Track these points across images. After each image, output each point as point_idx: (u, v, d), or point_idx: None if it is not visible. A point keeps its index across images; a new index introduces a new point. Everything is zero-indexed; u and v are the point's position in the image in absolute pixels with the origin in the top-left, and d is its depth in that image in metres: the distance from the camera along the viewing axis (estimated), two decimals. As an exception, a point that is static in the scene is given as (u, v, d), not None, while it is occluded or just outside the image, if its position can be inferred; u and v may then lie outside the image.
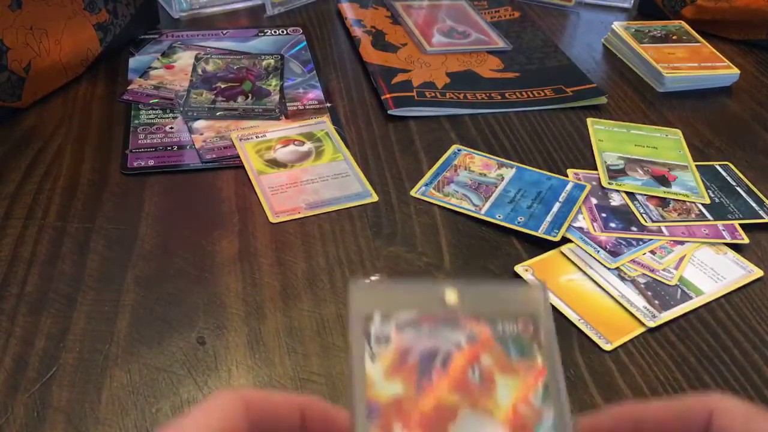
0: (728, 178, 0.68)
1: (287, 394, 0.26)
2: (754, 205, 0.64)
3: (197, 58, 0.81)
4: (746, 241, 0.60)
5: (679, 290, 0.55)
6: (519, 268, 0.56)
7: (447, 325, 0.27)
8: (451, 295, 0.28)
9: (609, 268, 0.56)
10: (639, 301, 0.53)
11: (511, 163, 0.68)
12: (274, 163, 0.65)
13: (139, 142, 0.67)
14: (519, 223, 0.60)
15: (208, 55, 0.82)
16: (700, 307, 0.54)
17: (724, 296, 0.55)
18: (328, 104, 0.75)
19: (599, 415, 0.27)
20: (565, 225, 0.59)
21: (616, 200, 0.64)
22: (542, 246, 0.58)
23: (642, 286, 0.55)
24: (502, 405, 0.26)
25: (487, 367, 0.27)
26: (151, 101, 0.73)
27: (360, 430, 0.25)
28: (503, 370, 0.27)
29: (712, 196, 0.65)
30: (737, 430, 0.24)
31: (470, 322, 0.27)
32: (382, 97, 0.75)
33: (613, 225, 0.60)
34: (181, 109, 0.72)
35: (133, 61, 0.80)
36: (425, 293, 0.28)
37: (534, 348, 0.27)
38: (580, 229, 0.60)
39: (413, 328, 0.27)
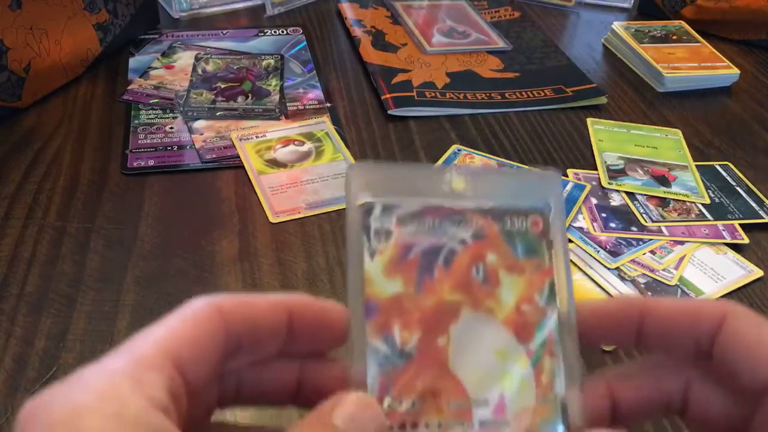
0: (728, 178, 0.68)
1: (271, 296, 0.24)
2: (754, 205, 0.64)
3: (197, 58, 0.81)
4: (746, 241, 0.60)
5: (679, 290, 0.55)
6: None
7: (452, 220, 0.25)
8: (458, 182, 0.26)
9: (609, 268, 0.56)
10: (639, 301, 0.53)
11: (512, 163, 0.68)
12: (274, 163, 0.65)
13: (139, 142, 0.67)
14: (519, 223, 0.60)
15: (208, 55, 0.82)
16: (700, 307, 0.54)
17: (724, 296, 0.55)
18: (328, 104, 0.75)
19: (604, 303, 0.26)
20: (565, 225, 0.59)
21: (616, 200, 0.64)
22: (542, 246, 0.58)
23: (642, 286, 0.55)
24: (505, 305, 0.25)
25: (491, 265, 0.25)
26: (151, 101, 0.73)
27: (356, 329, 0.24)
28: (509, 269, 0.25)
29: (712, 196, 0.65)
30: (751, 334, 0.23)
31: (477, 218, 0.26)
32: (382, 97, 0.75)
33: (613, 225, 0.60)
34: (181, 109, 0.72)
35: (133, 61, 0.80)
36: (431, 179, 0.26)
37: (542, 246, 0.26)
38: (580, 229, 0.60)
39: (416, 222, 0.25)
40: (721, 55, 0.86)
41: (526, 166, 0.67)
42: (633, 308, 0.25)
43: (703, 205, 0.63)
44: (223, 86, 0.76)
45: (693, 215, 0.62)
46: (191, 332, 0.21)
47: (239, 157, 0.66)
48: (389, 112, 0.73)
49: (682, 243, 0.59)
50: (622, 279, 0.55)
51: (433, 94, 0.77)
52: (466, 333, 0.25)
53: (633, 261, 0.57)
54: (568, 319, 0.25)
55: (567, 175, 0.67)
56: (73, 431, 0.17)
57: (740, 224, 0.61)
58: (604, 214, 0.62)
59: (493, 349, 0.25)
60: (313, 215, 0.60)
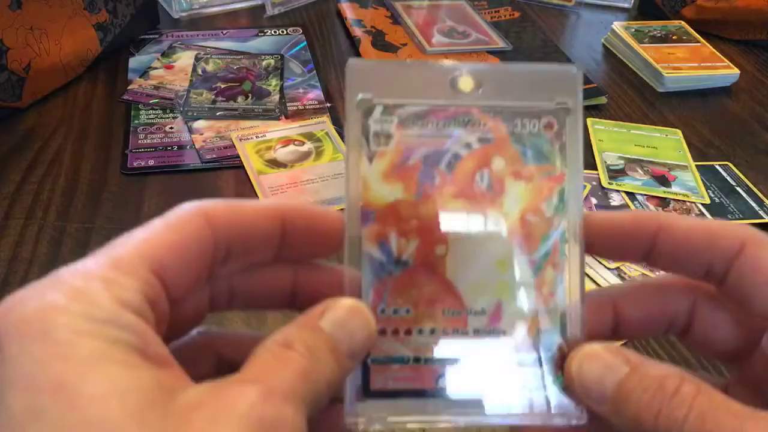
0: (728, 178, 0.68)
1: (263, 203, 0.23)
2: (754, 205, 0.64)
3: (197, 58, 0.81)
4: (746, 241, 0.59)
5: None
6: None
7: (458, 122, 0.24)
8: (466, 81, 0.24)
9: (609, 268, 0.56)
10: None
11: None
12: (274, 163, 0.65)
13: (139, 142, 0.67)
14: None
15: (208, 55, 0.82)
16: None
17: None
18: (328, 104, 0.75)
19: (617, 216, 0.25)
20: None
21: (616, 200, 0.64)
22: (542, 246, 0.58)
23: (642, 286, 0.55)
24: (509, 214, 0.24)
25: (498, 171, 0.24)
26: (151, 101, 0.73)
27: (352, 237, 0.23)
28: (516, 175, 0.24)
29: (712, 196, 0.65)
30: None
31: (485, 119, 0.24)
32: (382, 97, 0.75)
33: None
34: (181, 109, 0.72)
35: (133, 61, 0.80)
36: (437, 78, 0.24)
37: (555, 150, 0.24)
38: (580, 229, 0.60)
39: (418, 125, 0.24)
40: (721, 55, 0.86)
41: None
42: (648, 224, 0.24)
43: (703, 205, 0.63)
44: (223, 86, 0.76)
45: (693, 215, 0.62)
46: (173, 237, 0.21)
47: (239, 157, 0.66)
48: (389, 112, 0.73)
49: (682, 243, 0.59)
50: (622, 279, 0.55)
51: (433, 94, 0.77)
52: (465, 242, 0.24)
53: (633, 261, 0.57)
54: (576, 230, 0.24)
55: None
56: (44, 328, 0.18)
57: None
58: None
59: (493, 259, 0.24)
60: (313, 215, 0.60)
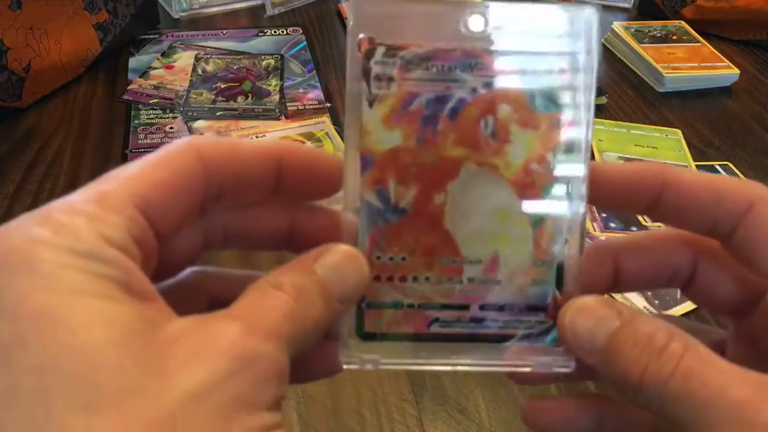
0: (728, 178, 0.68)
1: (260, 142, 0.23)
2: (754, 205, 0.64)
3: (197, 58, 0.81)
4: (746, 241, 0.59)
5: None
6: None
7: (464, 66, 0.23)
8: (476, 21, 0.22)
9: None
10: (639, 302, 0.53)
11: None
12: (274, 163, 0.65)
13: (139, 142, 0.67)
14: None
15: (208, 55, 0.82)
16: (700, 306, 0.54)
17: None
18: (328, 104, 0.75)
19: (622, 167, 0.24)
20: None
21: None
22: (542, 246, 0.58)
23: (642, 286, 0.55)
24: (513, 163, 0.23)
25: (503, 119, 0.23)
26: (151, 101, 0.73)
27: (350, 182, 0.23)
28: (522, 123, 0.23)
29: (712, 196, 0.65)
30: None
31: (493, 63, 0.23)
32: (382, 97, 0.75)
33: (613, 225, 0.60)
34: (181, 109, 0.72)
35: (133, 61, 0.80)
36: (444, 18, 0.23)
37: (566, 98, 0.23)
38: (580, 229, 0.60)
39: (422, 68, 0.23)
40: (721, 55, 0.86)
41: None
42: (654, 176, 0.24)
43: (703, 205, 0.63)
44: (223, 86, 0.76)
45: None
46: (162, 175, 0.21)
47: (239, 157, 0.66)
48: (389, 112, 0.73)
49: (682, 243, 0.59)
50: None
51: (433, 94, 0.76)
52: (465, 191, 0.23)
53: (633, 261, 0.57)
54: (581, 181, 0.23)
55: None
56: (28, 261, 0.18)
57: (740, 224, 0.61)
58: (604, 214, 0.61)
59: (493, 209, 0.23)
60: (313, 215, 0.60)
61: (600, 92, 0.79)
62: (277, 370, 0.19)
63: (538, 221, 0.24)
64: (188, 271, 0.24)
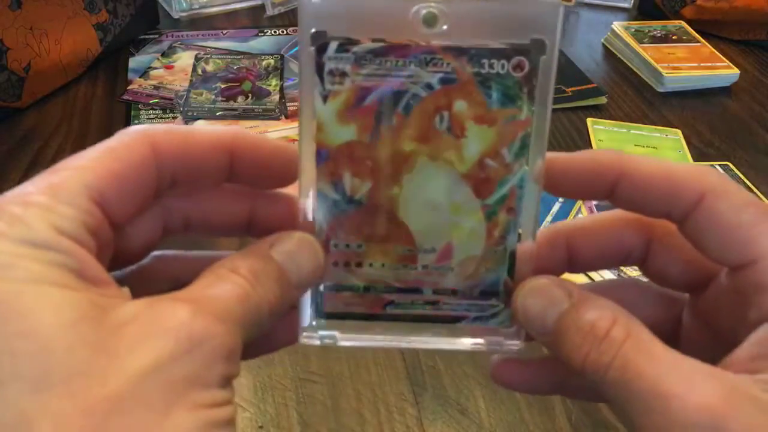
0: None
1: (213, 131, 0.23)
2: (754, 205, 0.64)
3: (197, 58, 0.81)
4: (746, 241, 0.59)
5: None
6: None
7: (419, 61, 0.22)
8: (431, 15, 0.22)
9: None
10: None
11: (511, 163, 0.68)
12: (274, 163, 0.65)
13: (139, 142, 0.67)
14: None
15: (208, 55, 0.82)
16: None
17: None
18: (328, 104, 0.75)
19: (578, 157, 0.25)
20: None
21: (616, 200, 0.64)
22: (542, 246, 0.58)
23: (642, 286, 0.55)
24: (467, 158, 0.23)
25: (458, 114, 0.23)
26: (151, 101, 0.73)
27: (306, 174, 0.23)
28: (478, 119, 0.23)
29: (712, 196, 0.65)
30: (729, 217, 0.23)
31: (449, 58, 0.22)
32: (382, 97, 0.75)
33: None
34: (181, 109, 0.72)
35: (133, 61, 0.80)
36: (399, 12, 0.22)
37: (524, 93, 0.23)
38: (580, 229, 0.60)
39: (376, 63, 0.22)
40: (721, 55, 0.86)
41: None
42: (609, 166, 0.24)
43: (703, 205, 0.63)
44: (223, 86, 0.76)
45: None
46: (116, 166, 0.21)
47: (239, 157, 0.66)
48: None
49: (682, 243, 0.59)
50: (622, 278, 0.55)
51: (433, 94, 0.76)
52: (420, 184, 0.24)
53: (633, 261, 0.57)
54: (536, 173, 0.24)
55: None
56: None
57: (740, 224, 0.61)
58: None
59: (446, 202, 0.24)
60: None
61: (600, 92, 0.79)
62: (227, 350, 0.19)
63: (491, 214, 0.24)
64: (150, 255, 0.25)
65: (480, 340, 0.26)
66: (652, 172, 0.24)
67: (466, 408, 0.45)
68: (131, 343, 0.18)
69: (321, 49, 0.22)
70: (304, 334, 0.25)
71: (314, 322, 0.25)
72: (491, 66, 0.22)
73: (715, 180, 0.23)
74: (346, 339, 0.25)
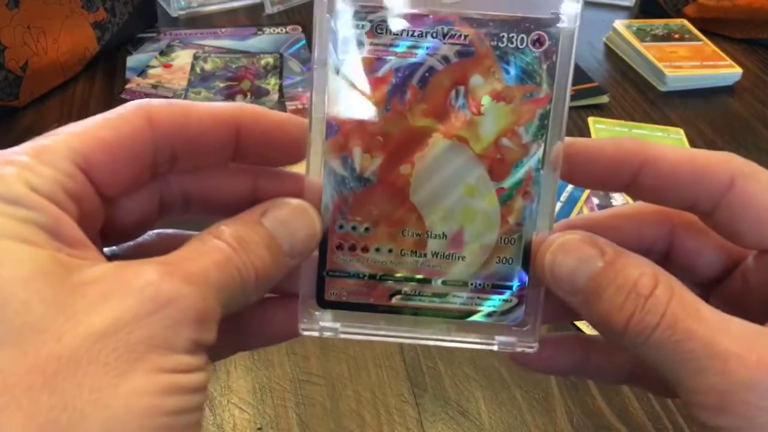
0: (731, 177, 0.67)
1: (217, 106, 0.23)
2: (757, 204, 0.64)
3: (196, 57, 0.80)
4: (750, 241, 0.59)
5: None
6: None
7: (436, 32, 0.22)
8: None
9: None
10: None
11: (512, 162, 0.67)
12: (273, 163, 0.65)
13: (137, 141, 0.67)
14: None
15: (207, 54, 0.81)
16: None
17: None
18: (328, 103, 0.75)
19: (600, 144, 0.24)
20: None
21: (617, 200, 0.63)
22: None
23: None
24: (484, 136, 0.23)
25: (475, 90, 0.22)
26: (149, 100, 0.73)
27: (315, 148, 0.23)
28: (495, 95, 0.22)
29: (715, 195, 0.64)
30: (764, 198, 0.22)
31: (467, 30, 0.22)
32: (382, 96, 0.75)
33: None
34: (180, 108, 0.72)
35: (131, 60, 0.80)
36: None
37: (543, 69, 0.22)
38: (582, 228, 0.59)
39: (392, 32, 0.22)
40: (723, 54, 0.85)
41: None
42: (633, 153, 0.23)
43: (705, 204, 0.63)
44: (221, 85, 0.76)
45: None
46: (106, 134, 0.21)
47: (238, 156, 0.65)
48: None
49: (684, 243, 0.58)
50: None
51: (433, 93, 0.76)
52: (433, 164, 0.23)
53: (635, 261, 0.56)
54: (554, 157, 0.23)
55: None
56: None
57: (743, 224, 0.61)
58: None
59: (460, 183, 0.23)
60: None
61: (602, 91, 0.79)
62: (197, 313, 0.19)
63: (506, 198, 0.23)
64: (151, 232, 0.24)
65: (491, 339, 0.24)
66: (678, 158, 0.23)
67: (466, 409, 0.45)
68: (92, 302, 0.17)
69: (336, 16, 0.22)
70: (303, 324, 0.24)
71: (315, 312, 0.24)
72: (510, 40, 0.22)
73: (742, 163, 0.23)
74: (348, 331, 0.24)
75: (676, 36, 0.89)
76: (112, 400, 0.17)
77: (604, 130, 0.73)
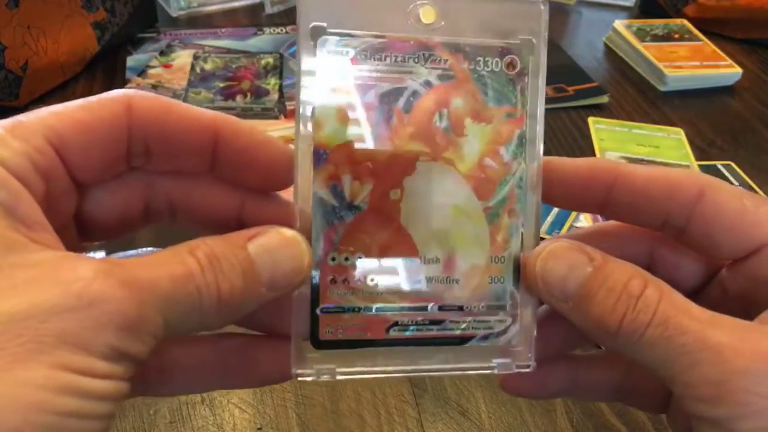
0: (731, 177, 0.67)
1: (200, 110, 0.22)
2: (757, 204, 0.64)
3: (196, 57, 0.80)
4: (749, 241, 0.59)
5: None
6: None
7: (417, 57, 0.22)
8: (428, 12, 0.22)
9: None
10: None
11: (512, 162, 0.67)
12: (273, 163, 0.65)
13: (137, 141, 0.67)
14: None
15: (207, 54, 0.81)
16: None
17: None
18: (328, 103, 0.75)
19: (574, 163, 0.24)
20: (567, 225, 0.59)
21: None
22: (544, 246, 0.57)
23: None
24: (467, 157, 0.23)
25: (457, 112, 0.23)
26: (149, 100, 0.73)
27: (303, 177, 0.22)
28: (476, 116, 0.23)
29: (715, 195, 0.64)
30: (733, 206, 0.23)
31: (446, 54, 0.23)
32: (382, 96, 0.75)
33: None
34: (180, 108, 0.72)
35: (131, 60, 0.80)
36: (396, 8, 0.22)
37: (516, 91, 0.23)
38: (582, 229, 0.59)
39: (375, 59, 0.22)
40: (723, 54, 0.85)
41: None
42: (606, 172, 0.24)
43: (705, 204, 0.63)
44: (221, 85, 0.75)
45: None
46: (82, 115, 0.21)
47: (238, 156, 0.65)
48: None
49: (684, 243, 0.58)
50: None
51: (433, 93, 0.76)
52: (421, 187, 0.23)
53: (635, 261, 0.56)
54: (534, 176, 0.23)
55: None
56: None
57: (743, 224, 0.61)
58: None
59: (449, 205, 0.23)
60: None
61: (601, 91, 0.79)
62: (124, 320, 0.18)
63: (493, 217, 0.24)
64: (147, 249, 0.24)
65: (490, 363, 0.24)
66: (649, 174, 0.24)
67: (466, 410, 0.45)
68: (15, 284, 0.17)
69: (320, 45, 0.22)
70: (298, 369, 0.23)
71: (309, 353, 0.23)
72: (485, 63, 0.23)
73: (710, 177, 0.24)
74: (345, 371, 0.23)
75: (676, 36, 0.89)
76: None
77: (604, 130, 0.73)
